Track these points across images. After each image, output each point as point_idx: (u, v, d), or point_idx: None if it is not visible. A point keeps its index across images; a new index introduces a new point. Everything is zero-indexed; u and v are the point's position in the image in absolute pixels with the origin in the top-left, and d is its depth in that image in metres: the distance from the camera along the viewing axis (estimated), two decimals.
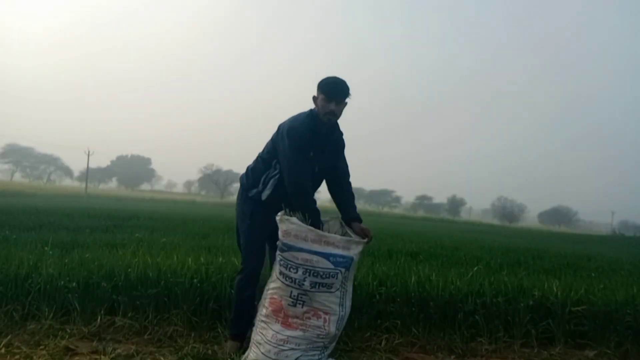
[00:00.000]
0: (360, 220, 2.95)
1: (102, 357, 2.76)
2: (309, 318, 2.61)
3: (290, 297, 2.62)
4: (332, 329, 2.63)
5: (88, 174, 67.61)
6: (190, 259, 4.02)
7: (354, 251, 2.70)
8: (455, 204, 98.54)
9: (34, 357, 2.72)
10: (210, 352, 2.89)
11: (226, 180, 75.67)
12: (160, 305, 3.39)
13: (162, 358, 2.80)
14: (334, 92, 2.79)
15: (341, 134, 3.06)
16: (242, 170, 3.18)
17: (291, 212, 2.73)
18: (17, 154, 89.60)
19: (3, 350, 2.75)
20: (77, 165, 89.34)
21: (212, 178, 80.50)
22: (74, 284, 3.39)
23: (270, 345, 2.59)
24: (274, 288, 2.68)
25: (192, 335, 3.18)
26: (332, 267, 2.61)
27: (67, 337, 3.02)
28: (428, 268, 4.70)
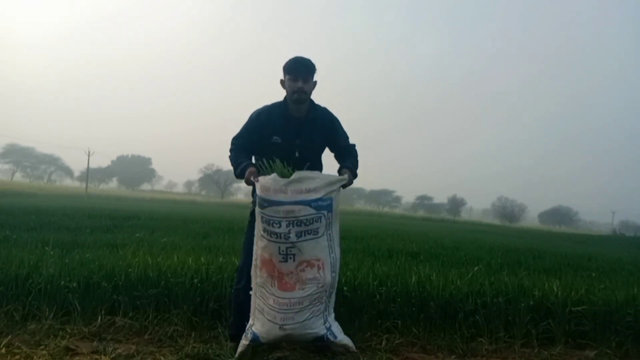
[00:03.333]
0: (349, 169, 2.87)
1: (103, 357, 2.76)
2: (303, 270, 2.55)
3: (279, 253, 2.55)
4: (328, 276, 2.60)
5: (88, 174, 67.53)
6: (190, 259, 4.02)
7: (333, 190, 2.63)
8: (456, 204, 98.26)
9: (35, 357, 2.72)
10: (210, 352, 2.89)
11: (227, 181, 75.54)
12: (160, 305, 3.39)
13: (162, 358, 2.80)
14: (298, 69, 2.80)
15: (328, 115, 2.98)
16: None
17: (270, 166, 2.69)
18: (18, 154, 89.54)
19: (3, 350, 2.75)
20: (78, 165, 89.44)
21: (213, 178, 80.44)
22: (75, 284, 3.40)
23: (274, 311, 2.55)
24: (261, 247, 2.62)
25: (193, 335, 3.18)
26: (315, 212, 2.55)
27: (67, 337, 3.02)
28: (428, 268, 4.71)
